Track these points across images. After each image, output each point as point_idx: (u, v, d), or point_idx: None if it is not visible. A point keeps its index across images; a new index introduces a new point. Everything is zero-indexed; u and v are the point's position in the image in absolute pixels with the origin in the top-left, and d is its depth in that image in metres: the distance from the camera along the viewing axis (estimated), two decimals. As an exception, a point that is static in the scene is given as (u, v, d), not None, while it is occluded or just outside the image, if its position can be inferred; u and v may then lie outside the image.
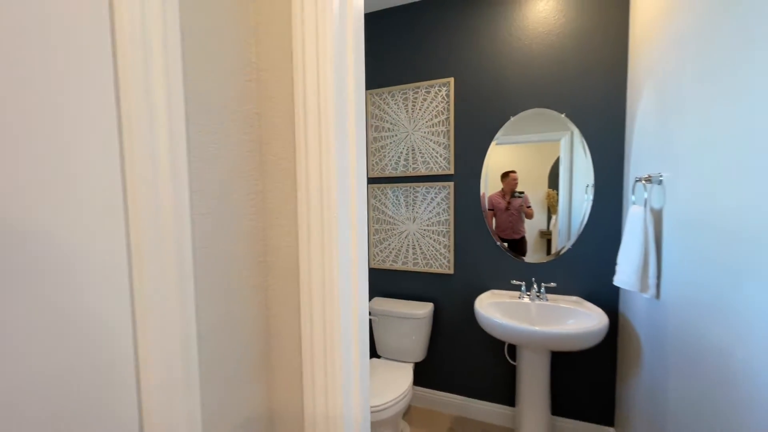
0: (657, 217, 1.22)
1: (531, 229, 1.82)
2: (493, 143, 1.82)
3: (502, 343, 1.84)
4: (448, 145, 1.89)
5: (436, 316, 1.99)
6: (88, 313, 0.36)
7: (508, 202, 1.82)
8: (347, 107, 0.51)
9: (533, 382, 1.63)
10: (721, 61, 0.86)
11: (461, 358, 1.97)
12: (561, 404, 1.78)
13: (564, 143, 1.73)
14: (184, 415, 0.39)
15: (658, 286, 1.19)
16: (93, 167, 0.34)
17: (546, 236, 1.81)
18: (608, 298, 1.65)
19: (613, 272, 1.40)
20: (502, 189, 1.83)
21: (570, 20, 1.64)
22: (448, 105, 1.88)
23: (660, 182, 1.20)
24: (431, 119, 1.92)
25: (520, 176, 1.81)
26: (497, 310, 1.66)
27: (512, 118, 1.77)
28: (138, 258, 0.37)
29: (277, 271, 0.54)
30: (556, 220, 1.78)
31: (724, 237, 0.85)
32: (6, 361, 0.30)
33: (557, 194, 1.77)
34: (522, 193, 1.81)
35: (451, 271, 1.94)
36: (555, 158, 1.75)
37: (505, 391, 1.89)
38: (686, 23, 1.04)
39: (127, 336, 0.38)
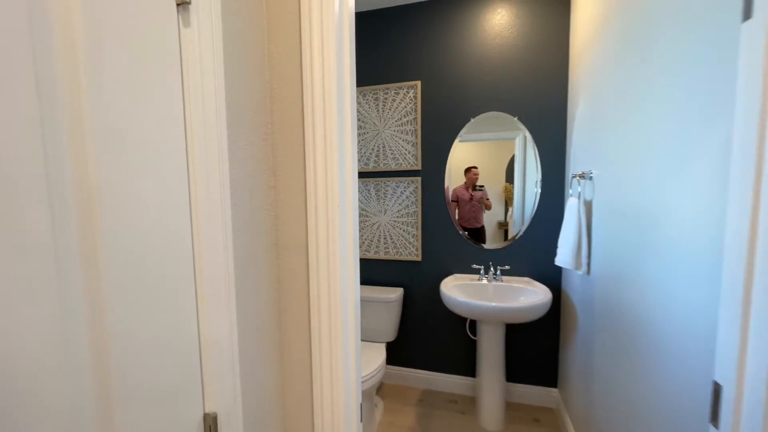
0: (588, 207, 1.46)
1: (490, 220, 2.04)
2: (456, 140, 2.01)
3: (464, 320, 2.06)
4: (416, 142, 2.06)
5: (406, 300, 2.17)
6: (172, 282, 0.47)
7: (471, 195, 2.03)
8: (345, 115, 0.65)
9: (491, 353, 1.85)
10: (629, 87, 1.09)
11: (428, 337, 2.17)
12: (514, 371, 2.04)
13: (518, 142, 1.96)
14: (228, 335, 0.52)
15: (588, 264, 1.44)
16: (173, 172, 0.45)
17: (503, 227, 2.04)
18: (553, 277, 1.92)
19: (556, 255, 1.65)
20: (465, 182, 2.03)
21: (520, 34, 1.86)
22: (416, 105, 2.04)
23: (591, 178, 1.44)
24: (400, 118, 2.07)
25: (482, 171, 2.01)
26: (460, 291, 1.87)
27: (472, 120, 1.97)
28: (198, 238, 0.49)
29: (288, 250, 0.66)
30: (512, 211, 2.01)
31: (633, 222, 1.08)
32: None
33: (513, 188, 1.99)
34: (482, 186, 2.03)
35: (419, 258, 2.12)
36: (511, 155, 1.98)
37: (466, 364, 2.11)
38: (606, 50, 1.27)
39: (191, 290, 0.50)
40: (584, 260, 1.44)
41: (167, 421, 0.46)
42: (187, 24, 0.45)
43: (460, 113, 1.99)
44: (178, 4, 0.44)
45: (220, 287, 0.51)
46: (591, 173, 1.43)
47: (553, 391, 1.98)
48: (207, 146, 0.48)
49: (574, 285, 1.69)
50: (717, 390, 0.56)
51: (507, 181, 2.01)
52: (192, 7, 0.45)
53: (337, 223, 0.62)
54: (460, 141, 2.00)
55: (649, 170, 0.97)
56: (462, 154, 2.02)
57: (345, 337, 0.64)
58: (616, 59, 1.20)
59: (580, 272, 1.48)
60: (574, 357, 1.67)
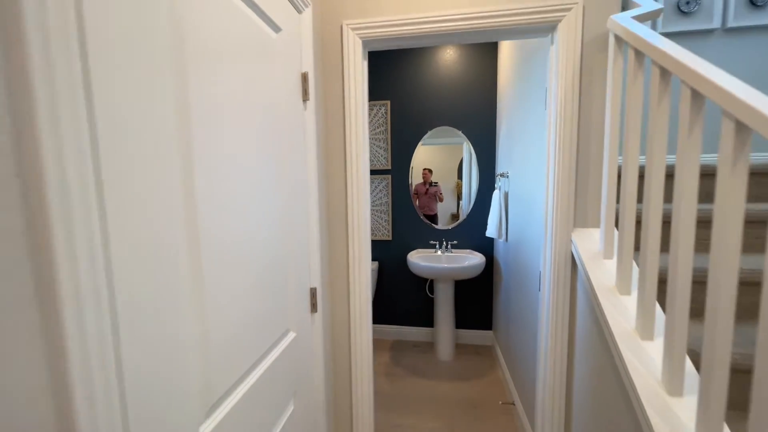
0: (506, 195, 2.16)
1: (443, 211, 2.68)
2: (419, 144, 2.63)
3: (424, 282, 2.71)
4: (387, 148, 2.66)
5: (381, 270, 2.78)
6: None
7: (427, 189, 2.67)
8: (365, 133, 1.23)
9: (444, 307, 2.51)
10: (523, 117, 1.77)
11: (397, 298, 2.80)
12: (461, 320, 2.73)
13: (465, 148, 2.62)
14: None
15: (506, 233, 2.14)
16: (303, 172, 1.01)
17: (455, 218, 2.69)
18: (488, 248, 2.63)
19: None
20: (424, 180, 2.67)
21: (464, 69, 2.52)
22: (387, 119, 2.63)
23: (507, 176, 2.13)
24: (375, 129, 2.66)
25: (440, 171, 2.64)
26: (421, 259, 2.51)
27: (429, 132, 2.61)
28: (310, 205, 1.05)
29: (333, 214, 1.24)
30: (461, 203, 2.67)
31: (526, 204, 1.76)
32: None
33: (462, 184, 2.66)
34: (436, 183, 2.67)
35: (390, 238, 2.73)
36: (461, 158, 2.64)
37: (426, 317, 2.77)
38: (513, 91, 1.95)
39: (304, 230, 1.05)
40: (504, 231, 2.14)
41: (299, 288, 1.03)
42: (305, 108, 1.01)
43: (421, 126, 2.62)
44: (303, 101, 1.00)
45: (314, 235, 1.07)
46: (507, 173, 2.13)
47: (489, 333, 2.70)
48: (313, 163, 1.04)
49: (500, 250, 2.40)
50: (540, 276, 1.23)
51: (459, 178, 2.67)
52: (308, 102, 1.01)
53: (363, 200, 1.21)
54: (422, 145, 2.63)
55: (532, 172, 1.66)
56: (425, 156, 2.65)
57: (365, 247, 1.23)
58: (517, 98, 1.89)
59: (501, 240, 2.18)
60: (499, 303, 2.38)
